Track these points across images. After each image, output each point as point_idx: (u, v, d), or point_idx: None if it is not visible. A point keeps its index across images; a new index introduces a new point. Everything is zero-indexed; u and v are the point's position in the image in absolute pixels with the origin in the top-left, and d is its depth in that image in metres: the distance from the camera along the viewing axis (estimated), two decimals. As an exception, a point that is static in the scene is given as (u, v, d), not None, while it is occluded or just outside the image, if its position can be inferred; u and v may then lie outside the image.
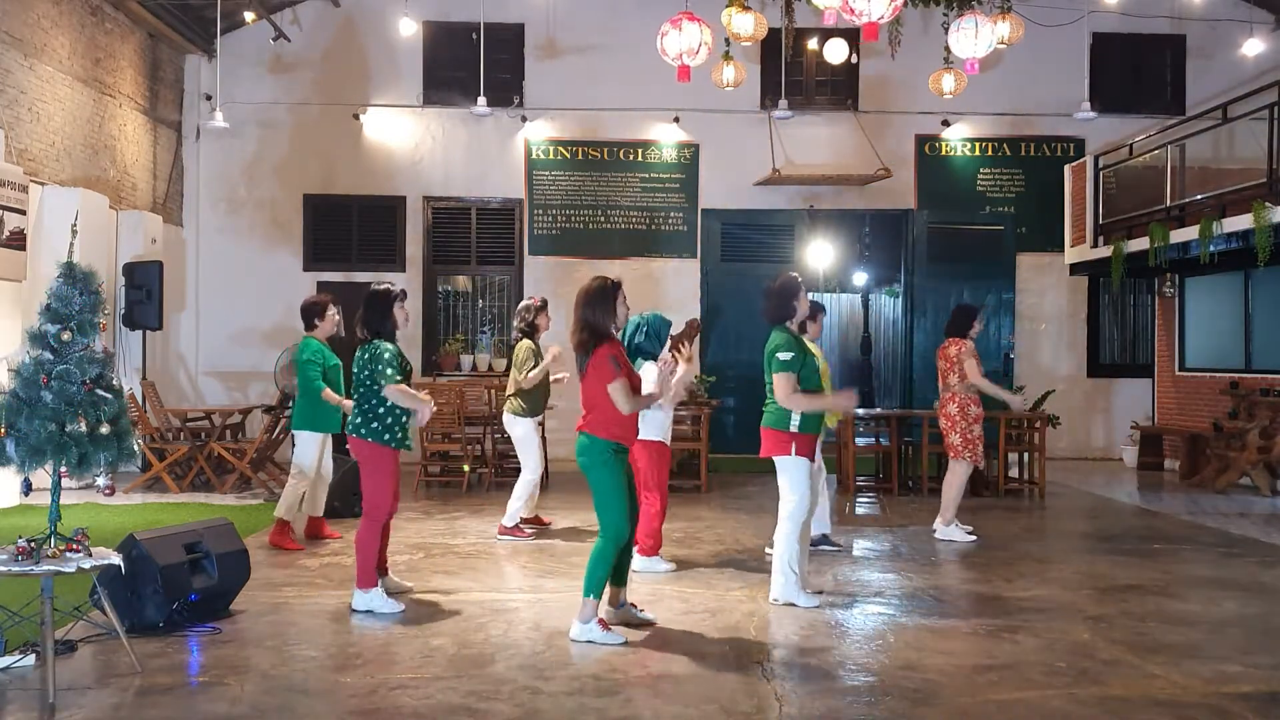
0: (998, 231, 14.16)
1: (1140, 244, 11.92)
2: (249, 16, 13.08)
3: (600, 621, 5.28)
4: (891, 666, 4.93)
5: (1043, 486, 10.64)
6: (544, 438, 9.72)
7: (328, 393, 7.56)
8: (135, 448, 4.94)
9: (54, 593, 4.55)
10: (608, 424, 5.29)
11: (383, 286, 6.11)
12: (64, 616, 4.97)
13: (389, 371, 5.83)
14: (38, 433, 4.54)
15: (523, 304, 8.62)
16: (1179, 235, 11.36)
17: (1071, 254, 13.76)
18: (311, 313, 7.79)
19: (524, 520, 8.36)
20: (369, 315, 6.01)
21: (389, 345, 5.95)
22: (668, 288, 13.91)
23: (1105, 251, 12.78)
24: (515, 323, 8.52)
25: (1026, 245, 14.33)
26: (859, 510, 9.88)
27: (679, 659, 5.00)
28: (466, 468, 11.00)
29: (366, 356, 5.93)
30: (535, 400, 8.29)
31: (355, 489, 9.05)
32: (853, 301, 17.10)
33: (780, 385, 5.91)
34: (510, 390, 8.29)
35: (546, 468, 11.52)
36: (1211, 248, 10.68)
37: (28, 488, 4.92)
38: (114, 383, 4.82)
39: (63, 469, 4.67)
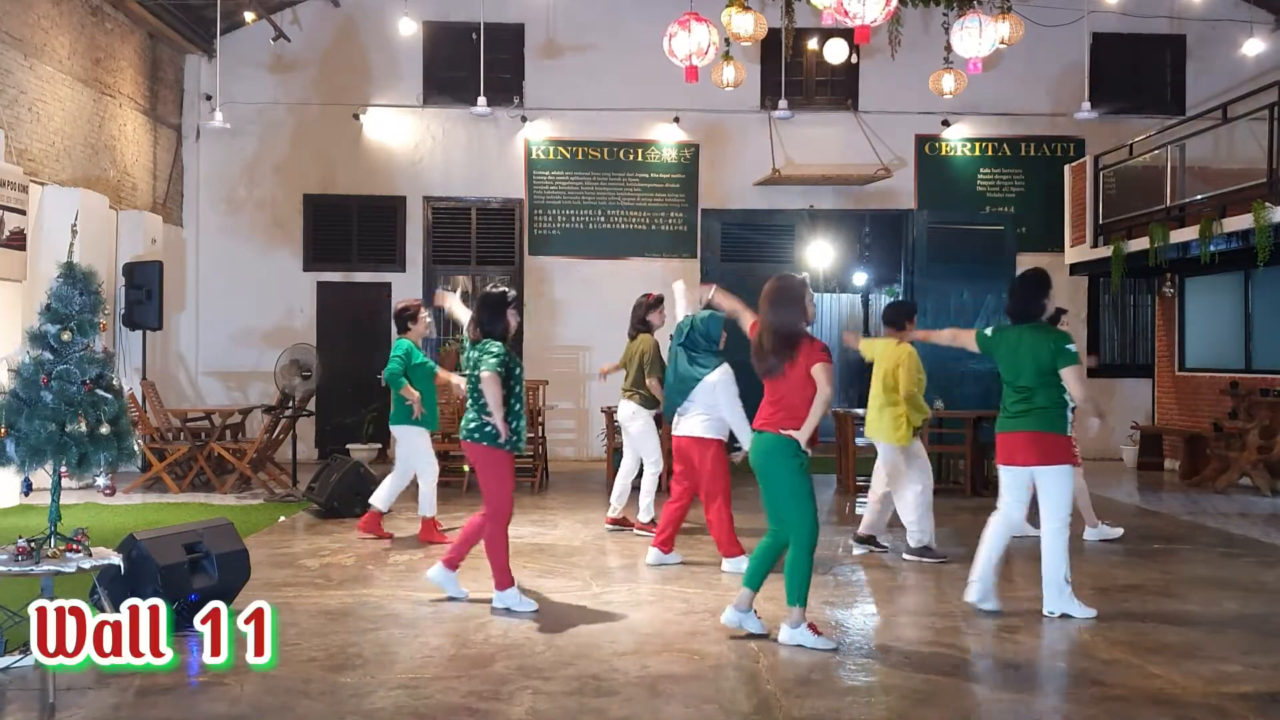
0: (998, 231, 14.12)
1: (1140, 244, 11.92)
2: (249, 16, 13.08)
3: (810, 626, 5.15)
4: (891, 666, 4.93)
5: (1043, 486, 10.61)
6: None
7: (407, 388, 7.83)
8: (135, 448, 4.94)
9: (54, 593, 4.55)
10: (799, 424, 5.14)
11: (498, 289, 6.11)
12: (64, 616, 4.97)
13: (491, 361, 5.83)
14: (38, 433, 4.54)
15: (638, 300, 8.64)
16: (1179, 235, 11.36)
17: (1071, 254, 13.75)
18: (404, 316, 8.18)
19: (612, 521, 8.42)
20: (482, 315, 6.00)
21: (498, 343, 5.94)
22: (667, 288, 13.86)
23: (1105, 251, 12.77)
24: (632, 319, 8.55)
25: (1026, 245, 14.28)
26: (859, 510, 9.86)
27: (679, 659, 5.00)
28: (466, 468, 10.99)
29: (477, 354, 5.93)
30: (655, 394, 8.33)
31: (358, 489, 9.07)
32: (853, 301, 17.07)
33: (1075, 376, 5.75)
34: (627, 384, 8.33)
35: (546, 466, 11.54)
36: (1211, 248, 10.68)
37: (28, 488, 4.91)
38: (114, 383, 4.82)
39: (63, 469, 4.67)
